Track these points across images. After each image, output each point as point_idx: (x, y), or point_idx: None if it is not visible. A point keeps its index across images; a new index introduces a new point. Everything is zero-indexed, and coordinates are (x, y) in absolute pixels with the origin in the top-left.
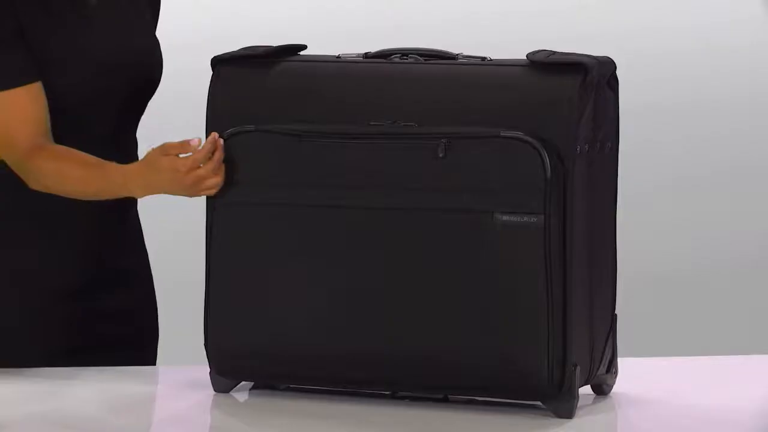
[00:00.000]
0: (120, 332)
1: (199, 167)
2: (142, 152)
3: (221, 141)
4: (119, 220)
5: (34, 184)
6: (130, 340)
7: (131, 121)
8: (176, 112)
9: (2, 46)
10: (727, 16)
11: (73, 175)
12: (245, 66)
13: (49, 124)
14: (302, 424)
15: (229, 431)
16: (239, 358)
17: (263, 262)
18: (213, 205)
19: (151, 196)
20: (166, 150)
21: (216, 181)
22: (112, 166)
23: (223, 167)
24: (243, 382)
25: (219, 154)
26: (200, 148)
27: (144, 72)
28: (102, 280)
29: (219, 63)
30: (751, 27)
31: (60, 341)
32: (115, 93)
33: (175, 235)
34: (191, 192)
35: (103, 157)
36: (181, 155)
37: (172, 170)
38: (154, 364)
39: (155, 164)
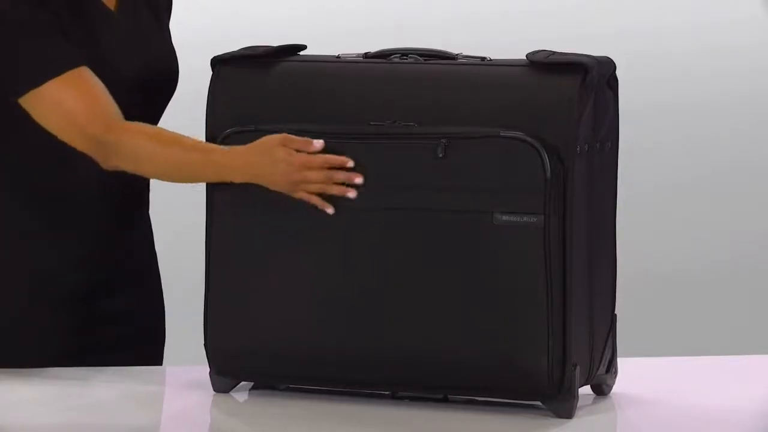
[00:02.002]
0: (128, 333)
1: (310, 168)
2: None
3: (350, 163)
4: (132, 222)
5: (115, 161)
6: (138, 341)
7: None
8: (176, 112)
9: (51, 32)
10: (727, 16)
11: (167, 156)
12: (245, 66)
13: (115, 106)
14: (302, 424)
15: (229, 431)
16: (239, 358)
17: (263, 263)
18: (213, 204)
19: (151, 196)
20: (285, 141)
21: (318, 188)
22: (215, 147)
23: (332, 182)
24: (243, 382)
25: (333, 162)
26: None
27: (162, 81)
28: (113, 281)
29: (219, 63)
30: (751, 27)
31: (69, 342)
32: (133, 101)
33: (176, 234)
34: (290, 189)
35: (114, 170)
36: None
37: (287, 162)
38: (161, 365)
39: (270, 152)
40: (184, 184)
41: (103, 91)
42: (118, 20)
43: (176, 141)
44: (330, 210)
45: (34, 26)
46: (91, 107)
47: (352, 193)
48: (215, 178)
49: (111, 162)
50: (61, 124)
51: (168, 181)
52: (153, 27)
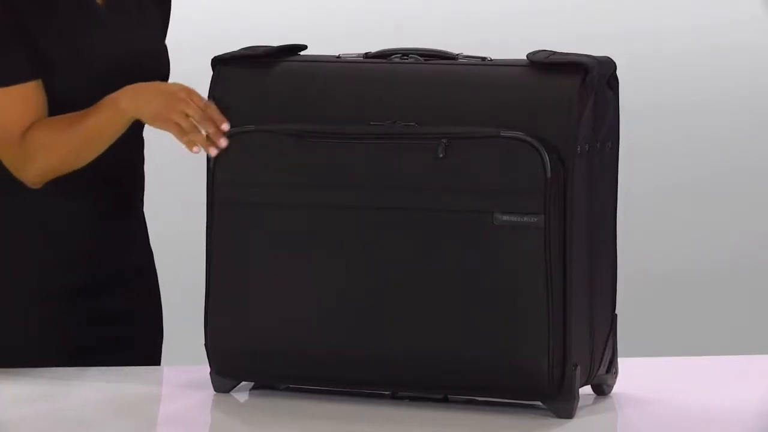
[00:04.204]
0: (125, 333)
1: (195, 101)
2: (146, 153)
3: (225, 126)
4: (126, 219)
5: (30, 171)
6: (135, 340)
7: (137, 122)
8: None
9: (10, 42)
10: (727, 16)
11: (64, 133)
12: (245, 66)
13: None
14: (302, 424)
15: (229, 431)
16: (239, 358)
17: (263, 262)
18: (213, 204)
19: (150, 192)
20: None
21: (189, 125)
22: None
23: (203, 123)
24: (243, 382)
25: (212, 113)
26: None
27: (149, 76)
28: (107, 280)
29: (219, 63)
30: (751, 27)
31: (65, 342)
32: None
33: (176, 234)
34: (164, 116)
35: (107, 160)
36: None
37: (172, 91)
38: (159, 365)
39: (160, 84)
40: (100, 152)
41: (34, 111)
42: (104, 14)
43: (62, 117)
44: (195, 149)
45: None
46: (20, 128)
47: (213, 150)
48: (107, 116)
49: (27, 174)
50: None
51: (84, 156)
52: (139, 21)
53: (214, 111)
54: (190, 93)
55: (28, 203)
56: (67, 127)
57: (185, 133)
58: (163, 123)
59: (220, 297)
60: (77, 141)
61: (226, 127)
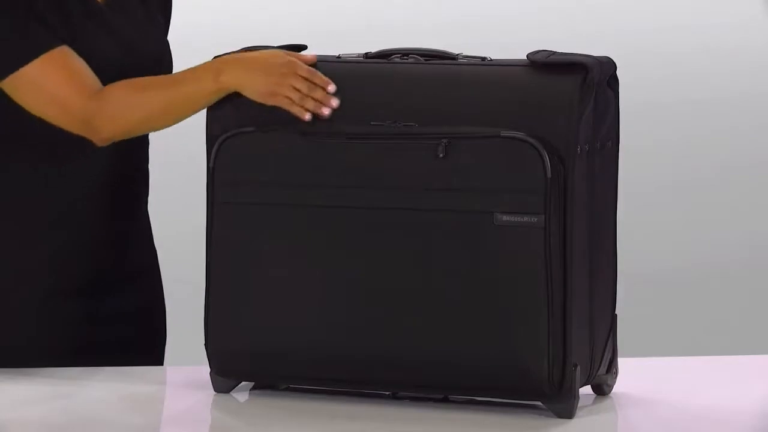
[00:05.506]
0: (128, 333)
1: (304, 74)
2: (151, 151)
3: (331, 87)
4: (130, 217)
5: (105, 130)
6: (139, 341)
7: None
8: None
9: (25, 18)
10: (727, 16)
11: (151, 95)
12: None
13: (97, 80)
14: (302, 424)
15: (229, 431)
16: (239, 358)
17: (263, 262)
18: (213, 204)
19: (152, 191)
20: (287, 52)
21: (298, 96)
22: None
23: (311, 94)
24: (243, 382)
25: (317, 79)
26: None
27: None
28: (112, 279)
29: None
30: (751, 27)
31: (68, 342)
32: None
33: (177, 234)
34: (270, 91)
35: (111, 161)
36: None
37: (280, 64)
38: (162, 365)
39: (271, 53)
40: (180, 122)
41: (83, 68)
42: (106, 15)
43: (149, 78)
44: (307, 117)
45: (10, 11)
46: (73, 87)
47: (326, 110)
48: (205, 86)
49: (102, 132)
50: (45, 107)
51: (167, 120)
52: (142, 21)
53: (319, 77)
54: (293, 66)
55: (33, 202)
56: (155, 88)
57: (295, 104)
58: (271, 99)
59: (219, 297)
60: (164, 104)
61: (332, 88)
